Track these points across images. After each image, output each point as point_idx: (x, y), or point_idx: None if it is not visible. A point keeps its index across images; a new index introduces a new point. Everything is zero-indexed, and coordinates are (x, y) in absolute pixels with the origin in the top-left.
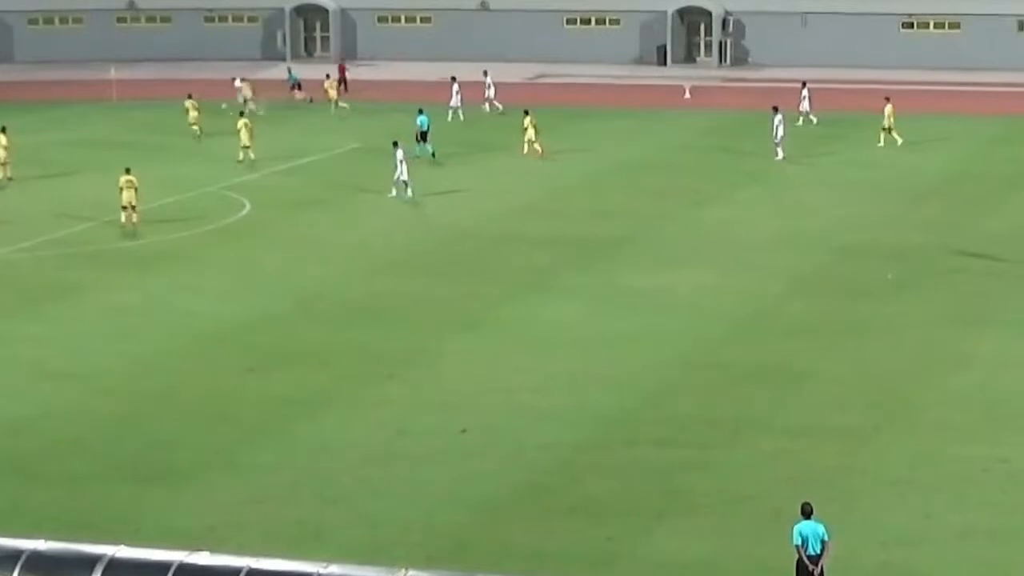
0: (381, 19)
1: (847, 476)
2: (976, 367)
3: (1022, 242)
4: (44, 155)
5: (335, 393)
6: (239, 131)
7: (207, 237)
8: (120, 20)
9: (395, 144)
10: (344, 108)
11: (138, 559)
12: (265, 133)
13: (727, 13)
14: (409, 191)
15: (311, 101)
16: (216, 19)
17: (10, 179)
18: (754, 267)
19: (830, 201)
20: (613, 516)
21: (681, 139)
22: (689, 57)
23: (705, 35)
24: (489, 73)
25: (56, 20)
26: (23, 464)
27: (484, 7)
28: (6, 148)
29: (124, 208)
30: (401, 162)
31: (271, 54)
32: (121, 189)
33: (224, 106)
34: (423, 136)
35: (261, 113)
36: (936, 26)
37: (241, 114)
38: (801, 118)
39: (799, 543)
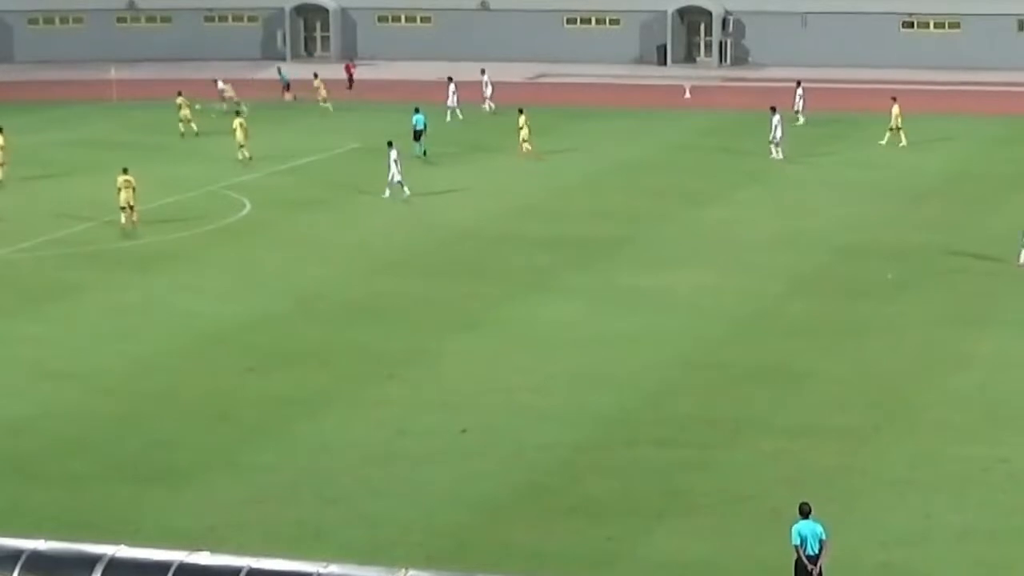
0: (381, 19)
1: (847, 476)
2: (976, 367)
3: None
4: (44, 155)
5: (335, 393)
6: (235, 131)
7: (207, 237)
8: (120, 20)
9: (389, 144)
10: (327, 108)
11: (138, 559)
12: (266, 133)
13: (727, 13)
14: (406, 190)
15: (295, 99)
16: (216, 19)
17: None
18: (754, 267)
19: (830, 201)
20: (613, 516)
21: (681, 139)
22: (689, 57)
23: (705, 35)
24: (487, 72)
25: (56, 20)
26: (23, 464)
27: (484, 7)
28: (3, 148)
29: (123, 208)
30: (395, 162)
31: (271, 54)
32: (119, 189)
33: (198, 107)
34: (418, 135)
35: (245, 110)
36: (936, 26)
37: (237, 113)
38: (800, 117)
39: (798, 543)
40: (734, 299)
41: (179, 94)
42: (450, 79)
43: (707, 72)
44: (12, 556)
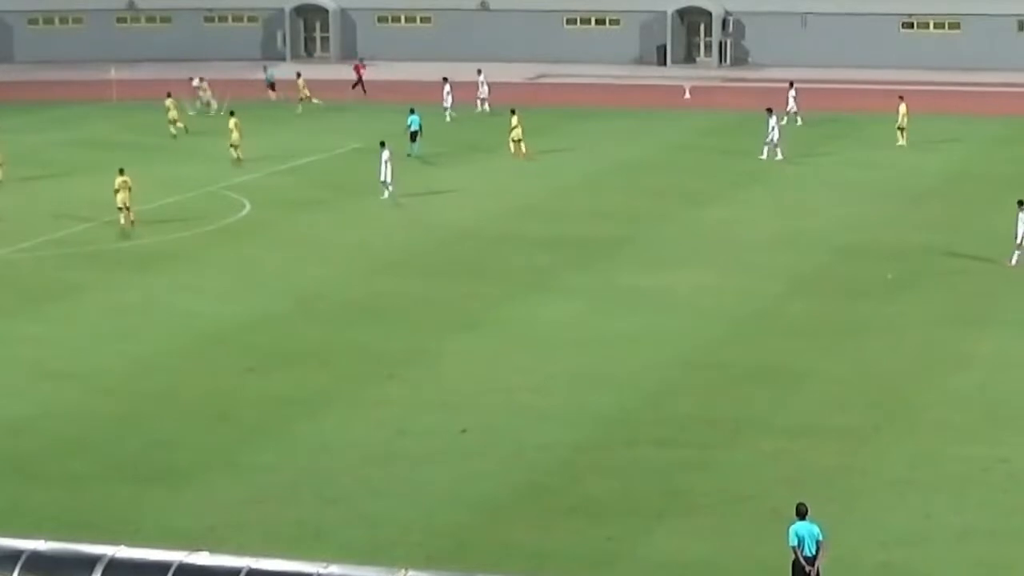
0: (381, 19)
1: (847, 476)
2: (976, 367)
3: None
4: (44, 155)
5: (335, 393)
6: (231, 131)
7: (207, 237)
8: (120, 20)
9: (382, 144)
10: (311, 104)
11: (138, 559)
12: (266, 133)
13: (727, 13)
14: (388, 191)
15: (280, 98)
16: (216, 19)
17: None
18: (754, 267)
19: (830, 201)
20: (613, 516)
21: (681, 139)
22: (689, 57)
23: (705, 35)
24: (483, 72)
25: (56, 20)
26: (23, 464)
27: (484, 7)
28: None
29: (120, 209)
30: (386, 163)
31: (271, 54)
32: (117, 190)
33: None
34: (413, 136)
35: (222, 113)
36: (936, 26)
37: (231, 113)
38: (798, 118)
39: (795, 544)
40: (734, 299)
41: (168, 95)
42: (445, 79)
43: (707, 72)
44: (12, 556)
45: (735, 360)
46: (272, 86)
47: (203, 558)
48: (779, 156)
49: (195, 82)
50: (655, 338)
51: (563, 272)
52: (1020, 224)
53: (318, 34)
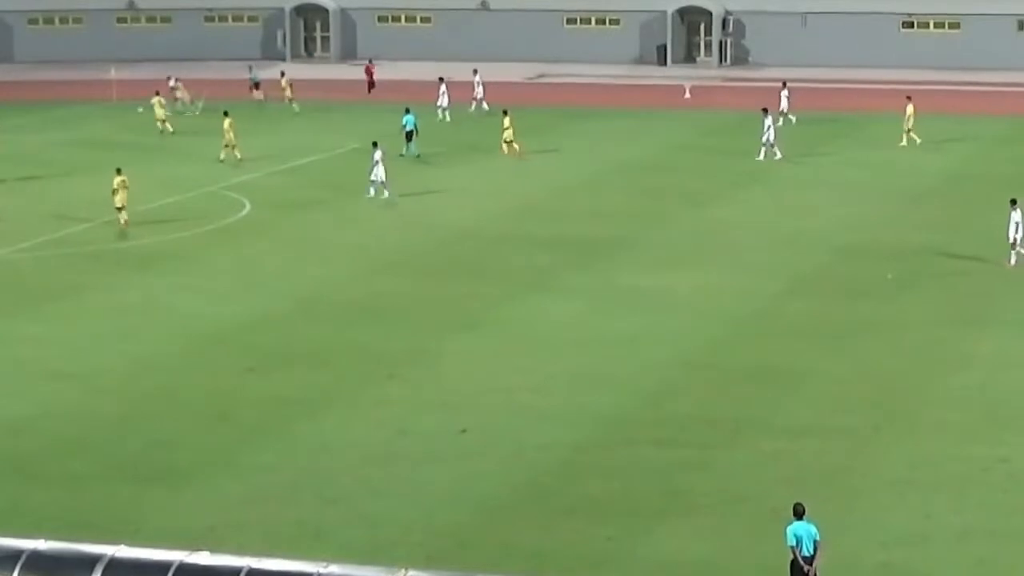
0: (381, 19)
1: (847, 476)
2: (976, 367)
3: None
4: (44, 155)
5: (335, 393)
6: (226, 131)
7: (207, 237)
8: (120, 20)
9: (375, 144)
10: (292, 108)
11: (138, 559)
12: (266, 133)
13: (727, 13)
14: (371, 192)
15: (265, 98)
16: (216, 19)
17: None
18: (754, 267)
19: (830, 201)
20: (613, 516)
21: (681, 139)
22: (689, 57)
23: (705, 35)
24: (479, 72)
25: (56, 20)
26: (23, 464)
27: (484, 7)
28: None
29: (119, 209)
30: (377, 163)
31: (271, 54)
32: (115, 191)
33: (140, 110)
34: (409, 136)
35: (196, 113)
36: (936, 26)
37: (225, 114)
38: (791, 118)
39: (794, 544)
40: (734, 299)
41: (157, 94)
42: (441, 79)
43: (707, 72)
44: (12, 556)
45: (735, 360)
46: (256, 85)
47: (203, 558)
48: (777, 155)
49: (171, 83)
50: (655, 338)
51: (563, 272)
52: (1012, 223)
53: (318, 34)
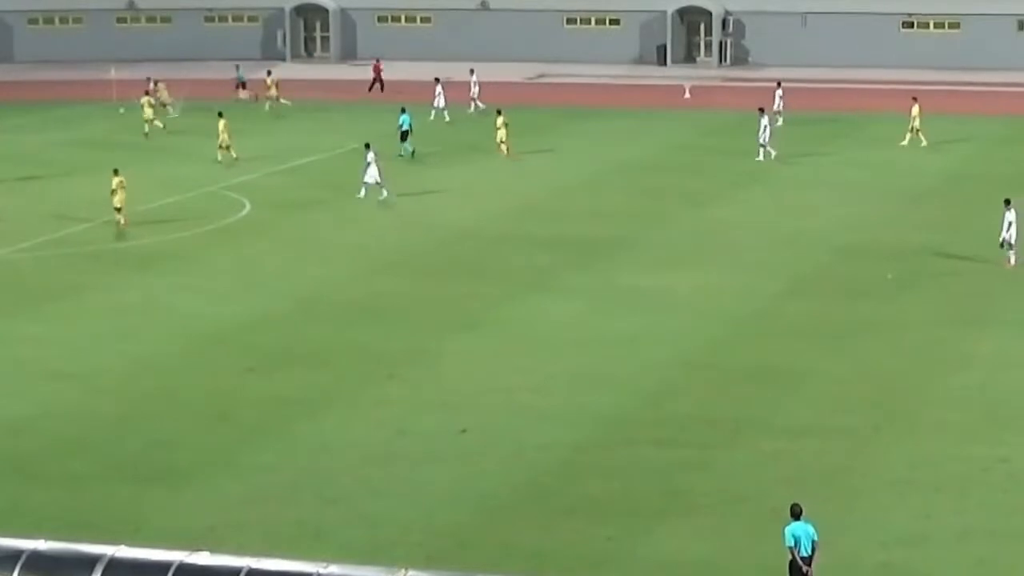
0: (381, 19)
1: (847, 476)
2: (976, 367)
3: (1022, 242)
4: (44, 155)
5: (335, 393)
6: (221, 132)
7: (207, 237)
8: (120, 20)
9: (367, 146)
10: (285, 105)
11: (138, 559)
12: (266, 133)
13: (727, 13)
14: (363, 193)
15: (257, 99)
16: (216, 19)
17: None
18: (754, 267)
19: (830, 201)
20: (613, 516)
21: (681, 139)
22: (689, 57)
23: (705, 35)
24: (475, 72)
25: (56, 20)
26: (23, 464)
27: (484, 7)
28: None
29: (118, 210)
30: (369, 164)
31: (271, 54)
32: (113, 191)
33: (122, 111)
34: (404, 135)
35: (176, 114)
36: (936, 26)
37: (220, 114)
38: (779, 118)
39: (792, 544)
40: (734, 299)
41: (146, 93)
42: (437, 80)
43: (707, 72)
44: (12, 556)
45: (735, 360)
46: (243, 85)
47: (203, 558)
48: (772, 155)
49: (151, 84)
50: (655, 338)
51: (563, 272)
52: (1005, 223)
53: (318, 34)
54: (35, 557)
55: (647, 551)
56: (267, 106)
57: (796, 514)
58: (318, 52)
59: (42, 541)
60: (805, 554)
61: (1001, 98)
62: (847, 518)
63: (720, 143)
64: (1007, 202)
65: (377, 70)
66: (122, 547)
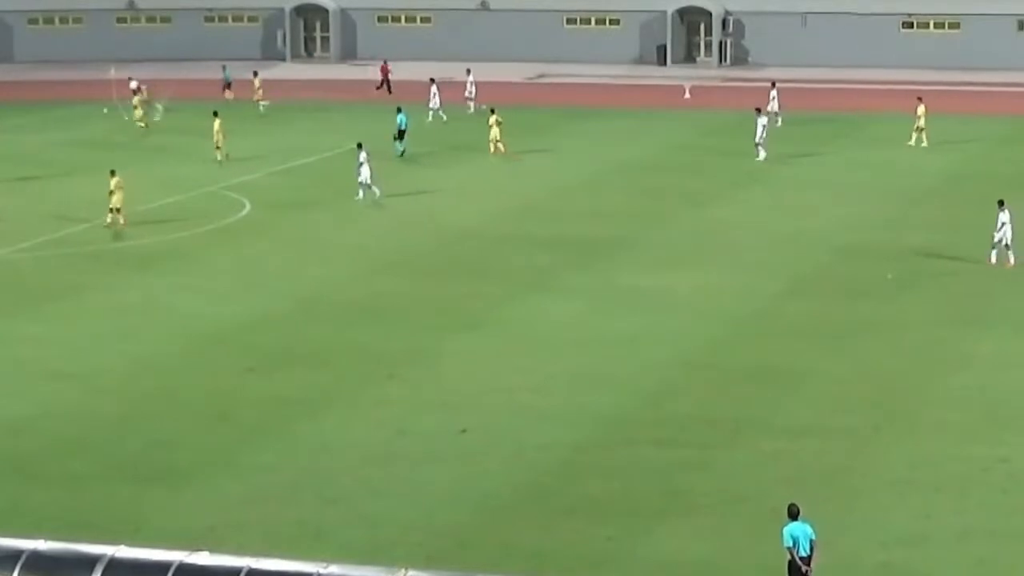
0: (381, 19)
1: (847, 476)
2: (976, 367)
3: (1022, 242)
4: (44, 155)
5: (335, 393)
6: (216, 132)
7: (207, 237)
8: (120, 20)
9: (359, 146)
10: (266, 105)
11: (138, 559)
12: (265, 134)
13: (727, 13)
14: (361, 194)
15: (236, 99)
16: (216, 19)
17: None
18: (754, 267)
19: (830, 201)
20: (613, 516)
21: (681, 139)
22: (689, 57)
23: (705, 35)
24: (471, 72)
25: (56, 20)
26: (23, 464)
27: (484, 7)
28: None
29: (117, 210)
30: (362, 164)
31: (271, 54)
32: (112, 192)
33: (105, 110)
34: (400, 135)
35: (157, 118)
36: (936, 26)
37: (215, 114)
38: (778, 118)
39: (790, 544)
40: (734, 299)
41: (135, 93)
42: (432, 80)
43: (707, 72)
44: (12, 556)
45: (735, 360)
46: (228, 85)
47: (203, 558)
48: (762, 155)
49: (132, 84)
50: (655, 338)
51: (563, 272)
52: (999, 223)
53: (318, 34)
54: (35, 557)
55: (647, 551)
56: (261, 107)
57: (793, 514)
58: (318, 52)
59: (42, 541)
60: (804, 554)
61: (1001, 98)
62: (847, 518)
63: (720, 143)
64: (1000, 203)
65: (385, 71)
66: (122, 547)
